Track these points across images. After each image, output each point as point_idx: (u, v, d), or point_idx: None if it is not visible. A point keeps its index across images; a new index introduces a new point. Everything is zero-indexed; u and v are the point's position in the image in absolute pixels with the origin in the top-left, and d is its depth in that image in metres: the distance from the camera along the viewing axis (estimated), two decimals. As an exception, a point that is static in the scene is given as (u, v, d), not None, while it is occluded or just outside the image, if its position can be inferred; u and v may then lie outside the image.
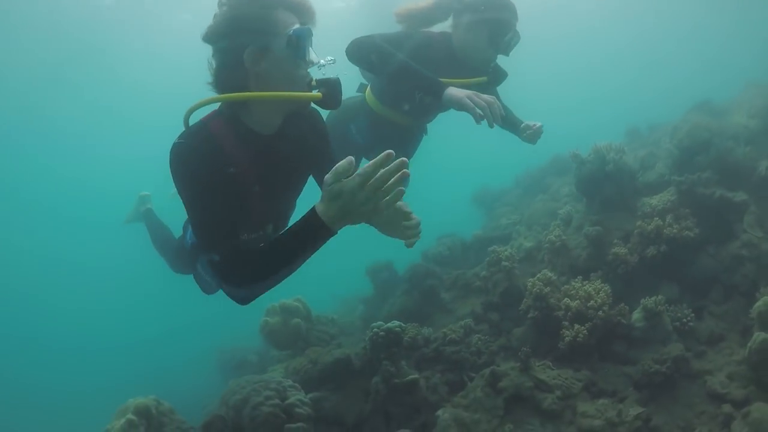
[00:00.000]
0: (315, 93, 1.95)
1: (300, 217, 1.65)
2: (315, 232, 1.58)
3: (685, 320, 3.83)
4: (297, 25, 1.89)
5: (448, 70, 3.05)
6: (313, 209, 1.57)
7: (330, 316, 5.16)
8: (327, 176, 1.49)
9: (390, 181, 1.45)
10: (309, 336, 4.65)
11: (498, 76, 3.29)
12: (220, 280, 1.86)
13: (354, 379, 4.13)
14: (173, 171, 1.82)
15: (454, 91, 2.63)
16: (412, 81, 2.85)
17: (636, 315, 3.87)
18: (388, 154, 1.44)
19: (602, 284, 3.97)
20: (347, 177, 1.47)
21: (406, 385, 3.77)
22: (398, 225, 2.08)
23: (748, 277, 3.91)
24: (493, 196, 7.38)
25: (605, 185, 4.52)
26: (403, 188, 1.49)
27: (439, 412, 3.58)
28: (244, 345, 6.91)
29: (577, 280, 4.09)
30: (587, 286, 3.95)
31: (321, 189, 1.87)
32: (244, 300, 1.86)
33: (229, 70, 1.87)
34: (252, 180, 2.01)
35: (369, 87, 3.49)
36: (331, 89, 1.98)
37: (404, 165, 1.45)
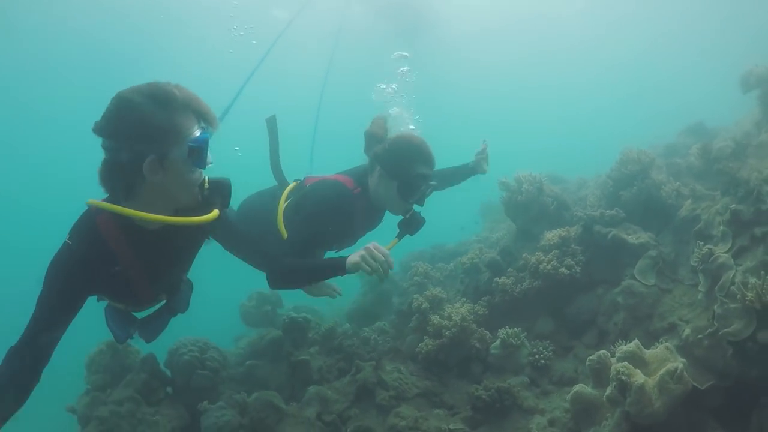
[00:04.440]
0: (211, 214, 2.00)
1: None
2: None
3: (539, 356, 3.89)
4: (197, 131, 1.88)
5: (369, 220, 3.22)
6: None
7: (313, 307, 6.06)
8: None
9: None
10: (275, 320, 5.71)
11: (413, 224, 3.17)
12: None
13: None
14: (53, 267, 1.87)
15: (351, 259, 2.36)
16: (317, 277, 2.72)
17: (495, 342, 4.05)
18: None
19: (474, 307, 4.23)
20: None
21: (299, 363, 4.63)
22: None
23: (618, 326, 3.75)
24: (493, 207, 7.20)
25: (519, 214, 4.56)
26: None
27: (310, 388, 4.37)
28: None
29: (459, 301, 4.38)
30: (458, 308, 4.23)
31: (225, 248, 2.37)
32: None
33: (124, 174, 1.84)
34: (138, 271, 2.08)
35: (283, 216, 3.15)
36: (222, 191, 2.08)
37: None
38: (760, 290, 2.90)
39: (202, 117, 1.92)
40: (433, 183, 3.02)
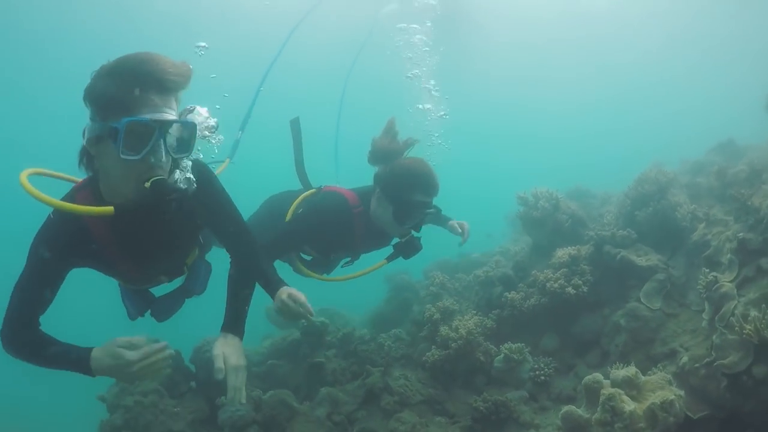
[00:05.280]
0: (106, 207, 1.79)
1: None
2: (78, 366, 1.85)
3: (540, 372, 3.94)
4: (138, 115, 1.65)
5: (372, 239, 3.25)
6: (90, 350, 1.82)
7: (339, 311, 6.25)
8: (120, 339, 1.81)
9: (156, 366, 1.83)
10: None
11: (408, 249, 3.21)
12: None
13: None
14: (35, 238, 1.89)
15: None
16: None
17: (499, 356, 4.12)
18: (164, 346, 1.83)
19: (482, 320, 4.30)
20: (135, 349, 1.79)
21: (314, 365, 4.88)
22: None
23: (619, 348, 3.74)
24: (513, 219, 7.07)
25: (534, 230, 4.58)
26: (168, 370, 1.90)
27: (322, 389, 4.59)
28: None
29: (469, 314, 4.46)
30: (466, 321, 4.32)
31: (218, 240, 2.31)
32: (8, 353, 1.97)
33: (82, 144, 1.81)
34: (116, 251, 2.01)
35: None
36: (159, 192, 1.77)
37: (167, 353, 1.84)
38: (759, 324, 2.86)
39: (163, 90, 1.71)
40: (430, 210, 3.02)
